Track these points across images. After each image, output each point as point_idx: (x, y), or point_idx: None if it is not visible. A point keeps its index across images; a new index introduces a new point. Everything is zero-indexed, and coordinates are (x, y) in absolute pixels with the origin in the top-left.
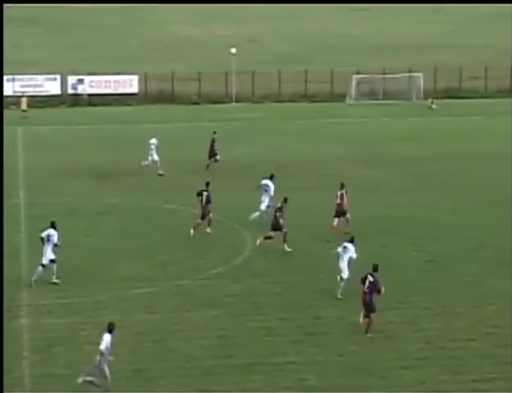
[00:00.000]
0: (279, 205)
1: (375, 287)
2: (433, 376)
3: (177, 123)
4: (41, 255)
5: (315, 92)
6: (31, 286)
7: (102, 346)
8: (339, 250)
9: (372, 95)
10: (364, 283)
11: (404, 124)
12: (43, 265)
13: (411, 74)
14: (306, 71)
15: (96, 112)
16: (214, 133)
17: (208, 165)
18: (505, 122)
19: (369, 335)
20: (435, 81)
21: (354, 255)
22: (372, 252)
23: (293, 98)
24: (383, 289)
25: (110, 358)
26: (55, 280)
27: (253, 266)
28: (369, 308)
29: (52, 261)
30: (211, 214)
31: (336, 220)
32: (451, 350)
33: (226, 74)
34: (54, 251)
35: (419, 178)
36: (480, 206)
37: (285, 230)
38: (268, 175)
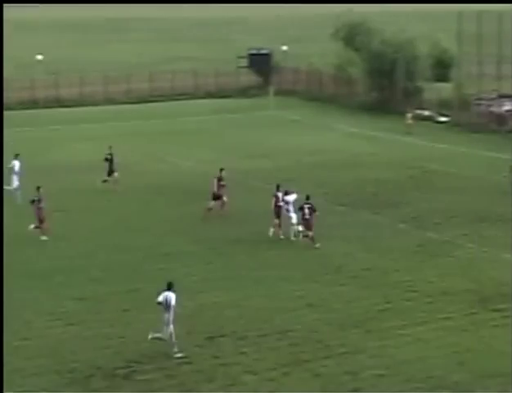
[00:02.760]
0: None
1: (313, 210)
2: None
3: None
4: None
5: None
6: None
7: (173, 302)
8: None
9: None
10: (303, 211)
11: None
12: None
13: None
14: None
15: None
16: (110, 147)
17: (105, 181)
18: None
19: (317, 245)
20: None
21: (291, 207)
22: None
23: None
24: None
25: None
26: None
27: None
28: (310, 227)
29: None
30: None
31: (212, 203)
32: None
33: None
34: None
35: None
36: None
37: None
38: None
